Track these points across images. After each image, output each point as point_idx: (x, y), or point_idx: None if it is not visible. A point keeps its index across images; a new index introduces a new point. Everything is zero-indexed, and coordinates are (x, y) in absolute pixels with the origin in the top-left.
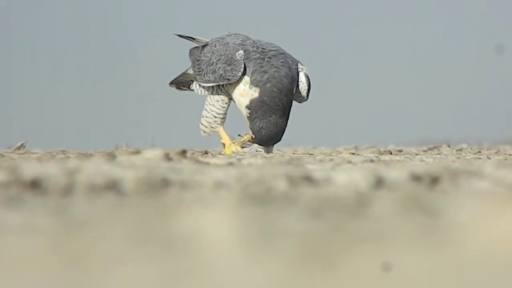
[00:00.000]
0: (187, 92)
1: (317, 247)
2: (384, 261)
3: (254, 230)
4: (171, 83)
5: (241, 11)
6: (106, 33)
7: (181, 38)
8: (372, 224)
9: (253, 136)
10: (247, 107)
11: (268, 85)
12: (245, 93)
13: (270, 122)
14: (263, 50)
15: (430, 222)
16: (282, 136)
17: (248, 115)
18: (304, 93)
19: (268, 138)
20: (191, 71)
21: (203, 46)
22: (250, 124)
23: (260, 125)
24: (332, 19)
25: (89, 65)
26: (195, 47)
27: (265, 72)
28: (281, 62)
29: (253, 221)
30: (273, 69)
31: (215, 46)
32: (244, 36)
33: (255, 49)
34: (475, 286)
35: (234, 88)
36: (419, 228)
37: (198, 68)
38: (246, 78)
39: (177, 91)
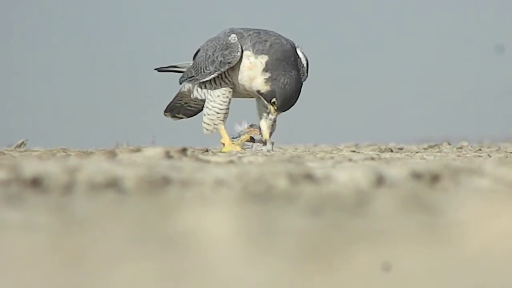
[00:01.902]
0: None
1: (317, 245)
2: (385, 259)
3: (255, 228)
4: (165, 111)
5: (238, 11)
6: (106, 31)
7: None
8: (372, 222)
9: (276, 99)
10: (264, 69)
11: (274, 49)
12: (252, 65)
13: (293, 78)
14: (255, 29)
15: (430, 220)
16: (298, 98)
17: (268, 76)
18: (304, 68)
19: (291, 96)
20: (185, 89)
21: (195, 55)
22: (271, 85)
23: (285, 81)
24: (333, 17)
25: (89, 63)
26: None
27: (266, 40)
28: (277, 35)
29: (254, 219)
30: (273, 37)
31: (207, 45)
32: (231, 27)
33: (246, 30)
34: (475, 284)
35: (238, 70)
36: (419, 226)
37: (195, 70)
38: (247, 53)
39: (173, 120)
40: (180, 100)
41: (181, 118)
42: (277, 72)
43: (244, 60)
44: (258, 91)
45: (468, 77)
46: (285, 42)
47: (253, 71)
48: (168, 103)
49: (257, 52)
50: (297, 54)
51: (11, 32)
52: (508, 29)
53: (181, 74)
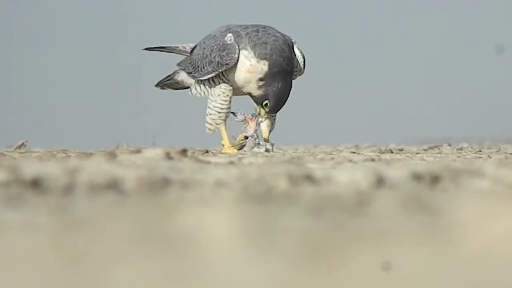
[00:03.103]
0: (188, 91)
1: (317, 246)
2: (385, 259)
3: (255, 229)
4: (156, 85)
5: (237, 8)
6: (106, 32)
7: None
8: (372, 223)
9: (268, 100)
10: (260, 79)
11: (274, 55)
12: (253, 68)
13: (285, 82)
14: (253, 25)
15: (430, 221)
16: (287, 100)
17: (262, 83)
18: (301, 65)
19: (282, 97)
20: (179, 78)
21: (192, 50)
22: (264, 90)
23: (278, 86)
24: (332, 17)
25: (90, 64)
26: (183, 60)
27: (266, 43)
28: (275, 31)
29: (254, 220)
30: (272, 38)
31: (204, 43)
32: (228, 24)
33: (243, 28)
34: (475, 285)
35: (235, 70)
36: (419, 227)
37: (193, 67)
38: (245, 53)
39: (161, 90)
40: (171, 81)
41: (169, 89)
42: (272, 79)
43: (244, 60)
44: (250, 94)
45: (468, 77)
46: (282, 43)
47: (252, 74)
48: (161, 79)
49: (260, 56)
50: (294, 52)
51: (11, 32)
52: (508, 29)
53: (169, 53)
